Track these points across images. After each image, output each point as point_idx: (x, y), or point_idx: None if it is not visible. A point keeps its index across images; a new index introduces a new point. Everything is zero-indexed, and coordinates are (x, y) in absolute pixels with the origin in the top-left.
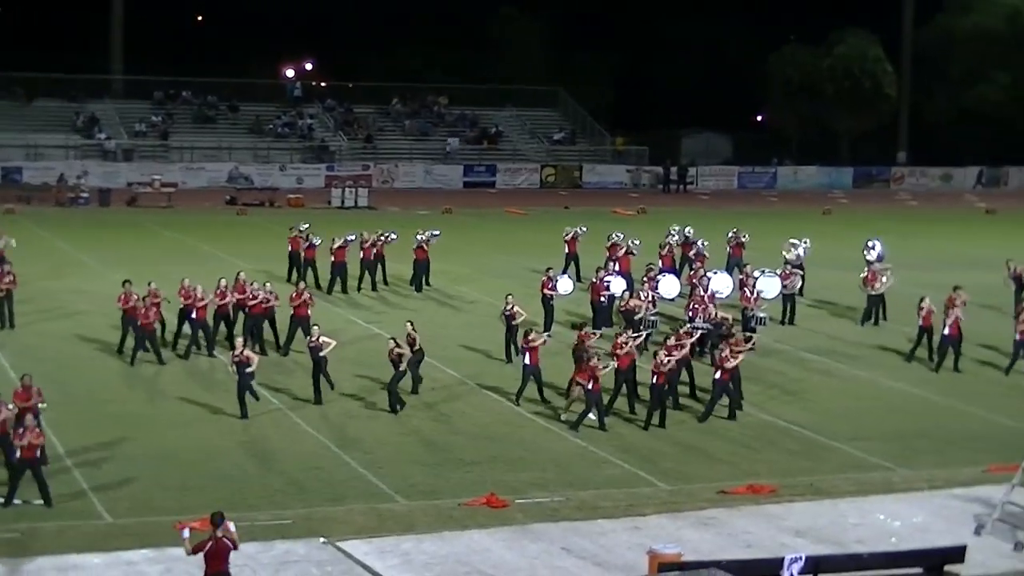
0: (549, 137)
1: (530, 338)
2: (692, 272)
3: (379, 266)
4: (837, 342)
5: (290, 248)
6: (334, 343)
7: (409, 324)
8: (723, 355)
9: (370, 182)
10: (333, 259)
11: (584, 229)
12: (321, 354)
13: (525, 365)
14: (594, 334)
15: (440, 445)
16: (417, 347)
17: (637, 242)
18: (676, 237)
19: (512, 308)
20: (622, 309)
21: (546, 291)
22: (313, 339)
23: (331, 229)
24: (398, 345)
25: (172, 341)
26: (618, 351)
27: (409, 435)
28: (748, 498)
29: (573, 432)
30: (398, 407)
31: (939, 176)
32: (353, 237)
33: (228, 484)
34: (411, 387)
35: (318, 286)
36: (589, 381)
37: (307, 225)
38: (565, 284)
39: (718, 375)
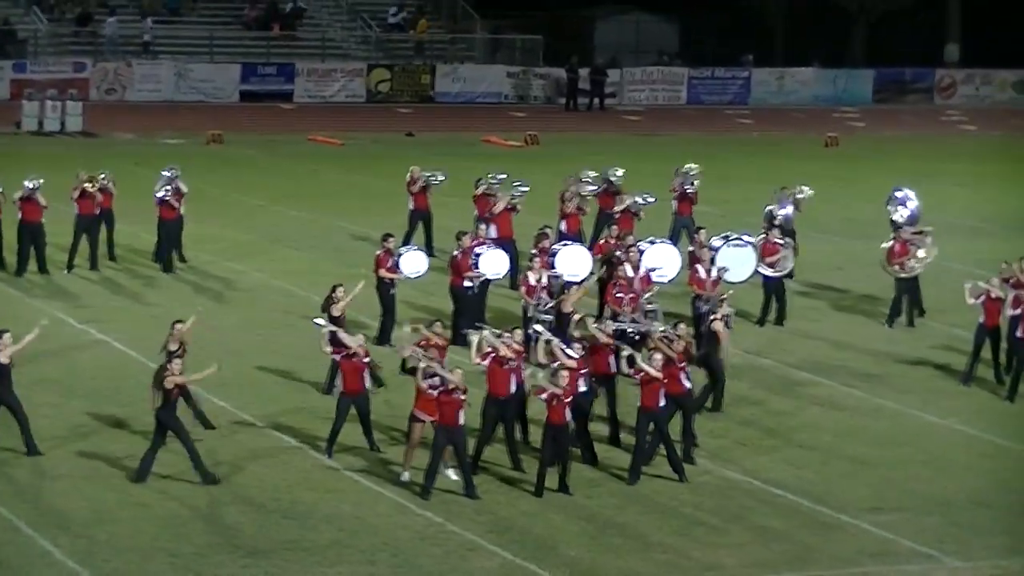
0: (380, 19)
1: (351, 350)
2: (604, 239)
3: (102, 228)
4: (847, 353)
5: None
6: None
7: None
8: (648, 364)
9: (87, 91)
10: (21, 218)
11: (438, 178)
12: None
13: (341, 395)
14: (434, 336)
15: (200, 523)
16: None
17: (650, 199)
18: (590, 185)
19: (338, 299)
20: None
21: (383, 272)
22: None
23: (18, 170)
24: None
25: None
26: (495, 362)
27: (150, 507)
28: None
29: (422, 499)
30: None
31: (1011, 83)
32: (38, 181)
33: None
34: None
35: None
36: (436, 414)
37: None
38: (413, 260)
39: (643, 398)
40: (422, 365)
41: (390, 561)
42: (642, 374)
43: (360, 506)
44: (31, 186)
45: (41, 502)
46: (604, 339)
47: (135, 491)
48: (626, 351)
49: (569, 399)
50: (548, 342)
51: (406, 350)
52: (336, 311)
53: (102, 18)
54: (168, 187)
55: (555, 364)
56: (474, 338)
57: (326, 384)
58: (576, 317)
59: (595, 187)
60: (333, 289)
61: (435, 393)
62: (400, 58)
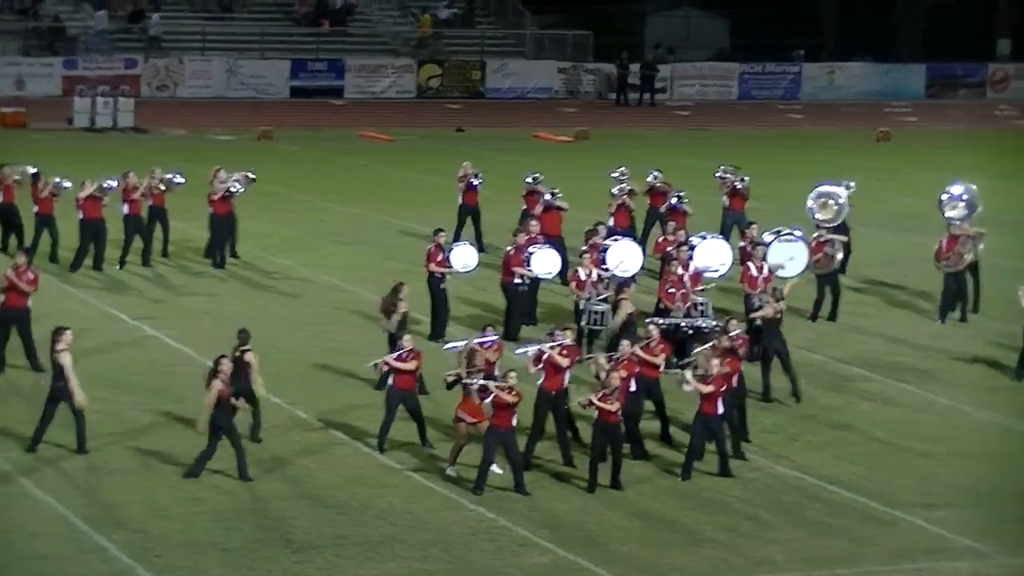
0: (432, 14)
1: (401, 346)
2: (664, 237)
3: (156, 226)
4: (900, 348)
5: (1, 198)
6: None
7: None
8: (706, 370)
9: (137, 87)
10: (81, 215)
11: (478, 179)
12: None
13: (390, 390)
14: (487, 341)
15: (252, 518)
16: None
17: (683, 197)
18: (623, 183)
19: (403, 298)
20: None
21: (433, 266)
22: (59, 346)
23: (70, 166)
24: (218, 366)
25: None
26: (551, 362)
27: (203, 501)
28: None
29: (474, 494)
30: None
31: None
32: (114, 182)
33: None
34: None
35: (54, 259)
36: (480, 416)
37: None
38: (463, 255)
39: (701, 404)
40: (475, 388)
41: (442, 556)
42: (706, 378)
43: (412, 502)
44: (110, 184)
45: (95, 497)
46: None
47: (188, 486)
48: (678, 372)
49: (620, 399)
50: (594, 360)
51: (451, 377)
52: (403, 308)
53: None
54: (235, 180)
55: (607, 368)
56: (530, 351)
57: (379, 380)
58: (626, 311)
59: (627, 184)
60: (397, 289)
61: (487, 400)
62: (451, 53)
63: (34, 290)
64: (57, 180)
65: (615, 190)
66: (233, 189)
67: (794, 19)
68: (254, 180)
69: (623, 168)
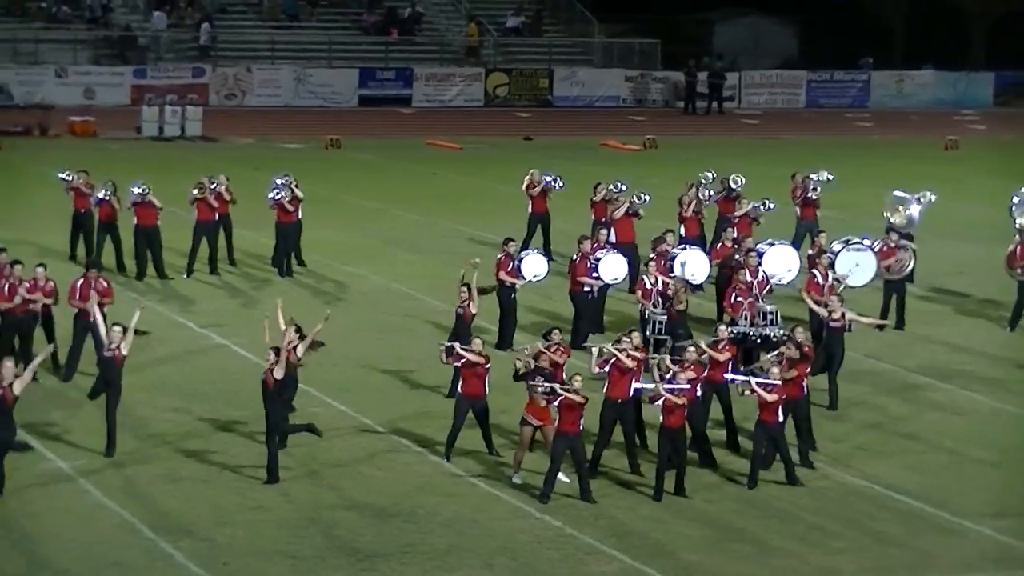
0: (499, 23)
1: (469, 351)
2: (721, 244)
3: (220, 233)
4: (968, 357)
5: (74, 205)
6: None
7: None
8: (770, 380)
9: (206, 96)
10: (137, 223)
11: (558, 184)
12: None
13: (459, 397)
14: (556, 346)
15: (318, 526)
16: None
17: (645, 197)
18: (709, 188)
19: (466, 303)
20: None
21: (504, 275)
22: (112, 344)
23: (140, 175)
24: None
25: None
26: (618, 366)
27: (269, 510)
28: None
29: (540, 503)
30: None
31: None
32: (138, 189)
33: None
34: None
35: (120, 267)
36: (547, 418)
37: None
38: (534, 264)
39: (761, 413)
40: (541, 390)
41: (508, 565)
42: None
43: (478, 510)
44: (138, 191)
45: (162, 505)
46: (722, 346)
47: (255, 494)
48: (740, 379)
49: (686, 404)
50: (658, 362)
51: (520, 362)
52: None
53: (222, 24)
54: (279, 192)
55: (673, 371)
56: (594, 349)
57: (451, 388)
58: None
59: (712, 191)
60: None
61: (554, 403)
62: (519, 62)
63: (110, 300)
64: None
65: (699, 193)
66: (296, 194)
67: (863, 27)
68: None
69: (711, 172)
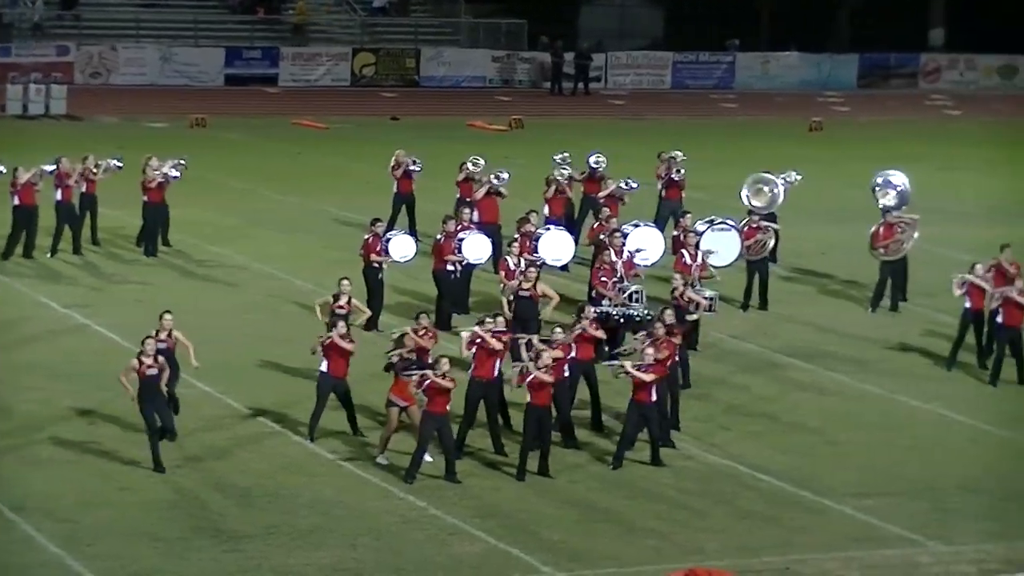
0: (366, 3)
1: (333, 332)
2: (598, 223)
3: (87, 214)
4: (832, 338)
5: None
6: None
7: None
8: (641, 360)
9: (71, 74)
10: (17, 201)
11: (415, 165)
12: None
13: (322, 375)
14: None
15: (183, 508)
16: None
17: (504, 176)
18: (566, 167)
19: (348, 299)
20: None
21: (373, 256)
22: None
23: (5, 153)
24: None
25: None
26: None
27: (134, 491)
28: None
29: (406, 483)
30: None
31: (996, 68)
32: (51, 167)
33: None
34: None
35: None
36: (412, 399)
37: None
38: (402, 245)
39: (636, 393)
40: (412, 377)
41: (372, 545)
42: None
43: (343, 491)
44: (48, 170)
45: (24, 487)
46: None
47: (119, 476)
48: (616, 363)
49: (552, 383)
50: (530, 343)
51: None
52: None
53: (87, 2)
54: (166, 168)
55: (539, 349)
56: (465, 334)
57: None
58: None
59: (568, 170)
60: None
61: (423, 387)
62: (385, 41)
63: None
64: None
65: (555, 174)
66: (173, 174)
67: (729, 9)
68: (185, 166)
69: (565, 153)
